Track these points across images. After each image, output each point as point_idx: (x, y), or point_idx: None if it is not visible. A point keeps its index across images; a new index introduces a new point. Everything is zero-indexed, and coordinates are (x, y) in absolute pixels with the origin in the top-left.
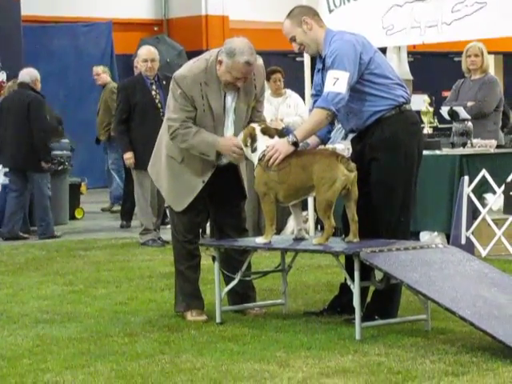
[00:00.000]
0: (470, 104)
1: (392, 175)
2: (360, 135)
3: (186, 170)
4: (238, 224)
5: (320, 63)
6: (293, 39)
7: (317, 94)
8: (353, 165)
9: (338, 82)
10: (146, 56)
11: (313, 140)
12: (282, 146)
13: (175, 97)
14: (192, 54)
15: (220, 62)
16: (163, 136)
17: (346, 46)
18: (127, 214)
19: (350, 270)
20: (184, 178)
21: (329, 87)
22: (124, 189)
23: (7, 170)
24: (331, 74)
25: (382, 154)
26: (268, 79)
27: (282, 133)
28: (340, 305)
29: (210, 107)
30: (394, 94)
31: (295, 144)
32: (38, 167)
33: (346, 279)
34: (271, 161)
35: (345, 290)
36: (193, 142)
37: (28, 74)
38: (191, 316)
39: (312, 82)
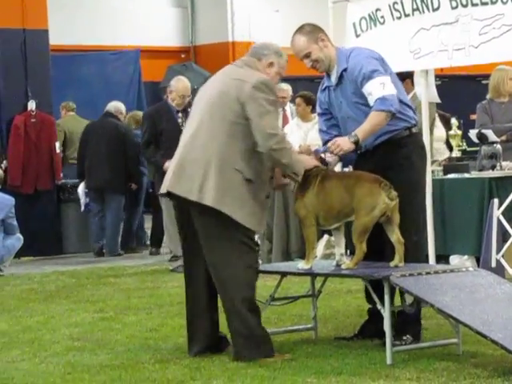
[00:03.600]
0: None
1: (404, 196)
2: (367, 155)
3: (258, 188)
4: None
5: (330, 81)
6: (307, 55)
7: (323, 113)
8: (394, 193)
9: (385, 86)
10: (184, 92)
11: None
12: (343, 142)
13: (268, 103)
14: None
15: (271, 64)
16: (229, 163)
17: (370, 56)
18: (156, 241)
19: (374, 294)
20: (258, 196)
21: (380, 92)
22: (152, 216)
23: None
24: (375, 82)
25: (396, 175)
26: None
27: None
28: (370, 330)
29: None
30: (406, 115)
31: (356, 143)
32: (119, 189)
33: (370, 304)
34: (335, 152)
35: (374, 315)
36: (291, 157)
37: (113, 106)
38: (278, 357)
39: None
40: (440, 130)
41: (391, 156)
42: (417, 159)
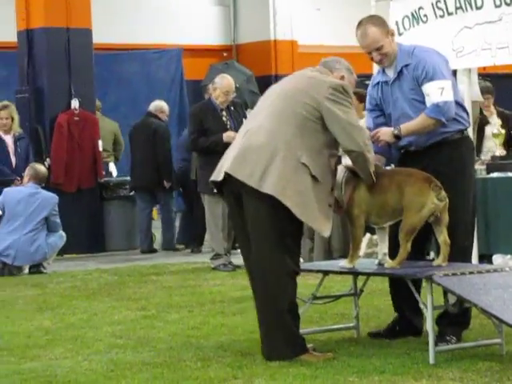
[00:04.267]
0: None
1: (460, 199)
2: (416, 154)
3: (323, 189)
4: None
5: (385, 75)
6: (379, 48)
7: (373, 109)
8: (444, 194)
9: (444, 92)
10: (229, 88)
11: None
12: (384, 133)
13: (348, 104)
14: (261, 79)
15: (342, 78)
16: (295, 156)
17: (435, 56)
18: (198, 239)
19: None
20: (322, 199)
21: (437, 97)
22: (194, 214)
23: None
24: (435, 85)
25: (447, 178)
26: None
27: None
28: (400, 328)
29: None
30: (462, 117)
31: (397, 137)
32: (162, 186)
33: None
34: (374, 140)
35: (401, 312)
36: (372, 157)
37: (153, 105)
38: (315, 356)
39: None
40: (492, 128)
41: (443, 157)
42: (468, 162)
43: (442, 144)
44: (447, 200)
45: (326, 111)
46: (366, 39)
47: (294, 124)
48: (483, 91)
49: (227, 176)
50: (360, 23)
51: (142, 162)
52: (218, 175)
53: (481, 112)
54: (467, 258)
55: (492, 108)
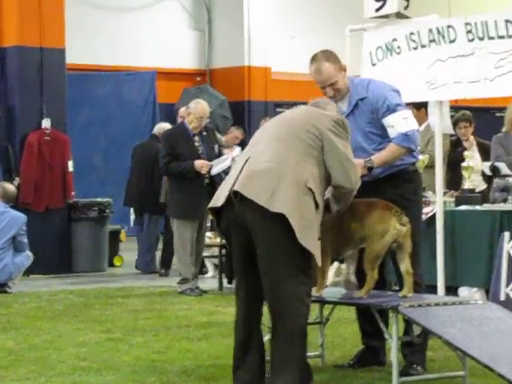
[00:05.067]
0: None
1: (413, 227)
2: (371, 185)
3: (319, 220)
4: None
5: (340, 109)
6: (333, 84)
7: None
8: (405, 219)
9: (408, 121)
10: (203, 114)
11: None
12: (357, 163)
13: (346, 139)
14: (234, 105)
15: None
16: (302, 180)
17: (392, 90)
18: (165, 263)
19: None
20: (317, 227)
21: (404, 127)
22: (163, 238)
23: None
24: (398, 116)
25: (404, 209)
26: None
27: None
28: (367, 359)
29: None
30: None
31: (370, 169)
32: (153, 209)
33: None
34: None
35: (368, 345)
36: None
37: (157, 128)
38: None
39: None
40: (475, 161)
41: (399, 190)
42: (420, 195)
43: (397, 176)
44: (409, 225)
45: (327, 142)
46: (320, 75)
47: (299, 150)
48: (460, 119)
49: (234, 196)
50: (314, 58)
51: (137, 181)
52: (217, 201)
53: (460, 144)
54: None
55: (471, 138)
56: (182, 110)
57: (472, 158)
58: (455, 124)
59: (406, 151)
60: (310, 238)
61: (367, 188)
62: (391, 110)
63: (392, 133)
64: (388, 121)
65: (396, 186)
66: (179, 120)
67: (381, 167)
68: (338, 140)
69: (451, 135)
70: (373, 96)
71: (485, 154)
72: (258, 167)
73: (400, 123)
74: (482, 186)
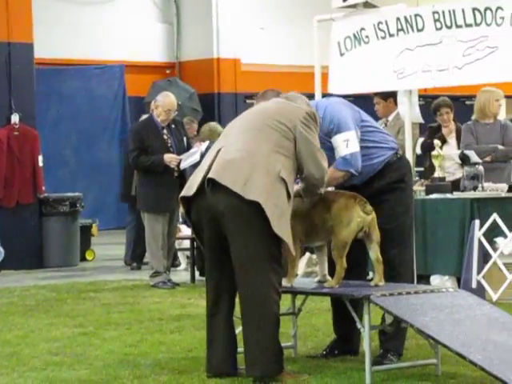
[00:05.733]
0: (501, 147)
1: (402, 215)
2: (358, 185)
3: (290, 209)
4: None
5: None
6: None
7: None
8: (370, 207)
9: (349, 143)
10: (170, 107)
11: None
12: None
13: (316, 132)
14: (203, 97)
15: None
16: (275, 170)
17: (337, 107)
18: (138, 256)
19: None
20: (289, 215)
21: (343, 151)
22: (135, 231)
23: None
24: (340, 138)
25: (392, 196)
26: None
27: None
28: (340, 349)
29: None
30: (389, 140)
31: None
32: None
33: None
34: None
35: (341, 334)
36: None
37: None
38: (293, 376)
39: None
40: (452, 148)
41: (384, 180)
42: (409, 180)
43: (382, 169)
44: (374, 214)
45: (299, 134)
46: None
47: (272, 140)
48: (441, 105)
49: (208, 184)
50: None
51: (131, 173)
52: (188, 191)
53: (438, 131)
54: (412, 273)
55: (452, 125)
56: (152, 103)
57: (448, 146)
58: (436, 110)
59: (344, 175)
60: (283, 227)
61: (356, 188)
62: (335, 130)
63: (336, 155)
64: (334, 141)
65: (382, 177)
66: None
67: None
68: (309, 132)
69: (429, 122)
70: (326, 116)
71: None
72: (230, 156)
73: (341, 146)
74: (459, 173)
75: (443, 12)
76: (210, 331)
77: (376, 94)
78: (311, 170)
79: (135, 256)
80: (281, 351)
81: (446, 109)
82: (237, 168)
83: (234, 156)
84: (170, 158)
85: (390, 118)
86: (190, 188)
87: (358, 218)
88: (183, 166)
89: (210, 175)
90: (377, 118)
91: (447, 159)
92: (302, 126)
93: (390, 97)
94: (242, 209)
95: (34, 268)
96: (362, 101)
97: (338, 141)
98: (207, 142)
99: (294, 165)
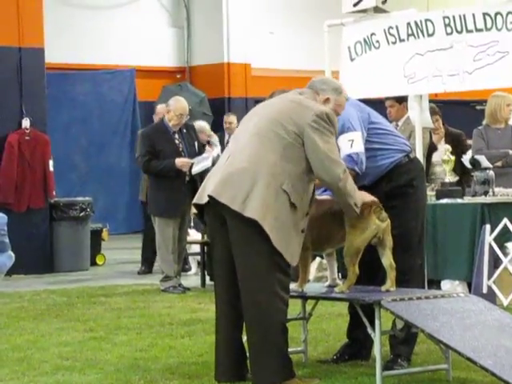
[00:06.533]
0: None
1: (409, 221)
2: (371, 185)
3: (299, 217)
4: None
5: None
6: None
7: None
8: (385, 214)
9: (354, 144)
10: (182, 111)
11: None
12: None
13: (330, 134)
14: (214, 102)
15: (327, 100)
16: (277, 182)
17: (351, 109)
18: (148, 261)
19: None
20: (297, 225)
21: (347, 150)
22: (144, 235)
23: None
24: (344, 138)
25: (400, 201)
26: None
27: None
28: (351, 353)
29: None
30: (400, 143)
31: None
32: None
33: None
34: None
35: (354, 338)
36: (353, 188)
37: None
38: (304, 382)
39: None
40: (439, 154)
41: (394, 182)
42: (420, 184)
43: (391, 171)
44: (388, 221)
45: (307, 139)
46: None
47: (278, 149)
48: (430, 113)
49: (210, 199)
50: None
51: None
52: (200, 198)
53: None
54: (423, 278)
55: (441, 132)
56: (159, 107)
57: (437, 152)
58: None
59: (349, 173)
60: (282, 241)
61: (365, 189)
62: (340, 131)
63: (341, 155)
64: (339, 142)
65: (391, 179)
66: (155, 118)
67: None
68: (318, 136)
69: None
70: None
71: (453, 142)
72: (234, 168)
73: (345, 145)
74: (449, 177)
75: (453, 17)
76: (218, 336)
77: (389, 98)
78: (320, 175)
79: (143, 260)
80: (287, 359)
81: (435, 116)
82: (238, 183)
83: (237, 168)
84: (181, 162)
85: (400, 122)
86: (201, 195)
87: (374, 225)
88: (195, 170)
89: (209, 192)
90: None
91: (437, 165)
92: (310, 130)
93: (404, 101)
94: (241, 226)
95: (44, 272)
96: (372, 106)
97: (342, 141)
98: (219, 148)
99: (305, 170)
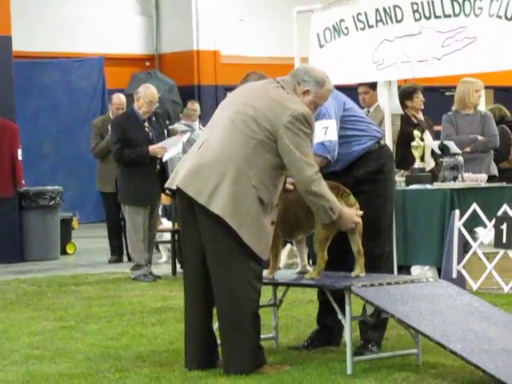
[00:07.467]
0: (480, 138)
1: (380, 207)
2: (338, 172)
3: (268, 211)
4: None
5: None
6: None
7: None
8: (353, 199)
9: (328, 131)
10: (152, 98)
11: None
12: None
13: (305, 136)
14: (183, 89)
15: (307, 92)
16: (246, 177)
17: (332, 97)
18: (117, 249)
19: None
20: (266, 220)
21: (321, 137)
22: (112, 224)
23: None
24: (319, 125)
25: (370, 187)
26: None
27: None
28: (322, 339)
29: None
30: (372, 129)
31: None
32: None
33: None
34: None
35: (324, 324)
36: (327, 191)
37: None
38: (275, 368)
39: None
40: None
41: (364, 168)
42: (389, 170)
43: (362, 157)
44: (357, 205)
45: (280, 140)
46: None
47: (249, 146)
48: (411, 91)
49: (178, 190)
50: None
51: None
52: (171, 183)
53: (408, 122)
54: (392, 264)
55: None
56: (115, 96)
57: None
58: (401, 103)
59: (322, 160)
60: (252, 236)
61: (335, 175)
62: (316, 117)
63: (313, 141)
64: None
65: (362, 165)
66: (111, 108)
67: None
68: (292, 139)
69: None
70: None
71: (429, 130)
72: (204, 160)
73: (319, 132)
74: (431, 164)
75: (422, 3)
76: (188, 324)
77: (363, 84)
78: (294, 177)
79: (112, 249)
80: (258, 347)
81: (416, 94)
82: (206, 175)
83: (207, 160)
84: (155, 149)
85: (372, 108)
86: (172, 181)
87: None
88: (165, 158)
89: (177, 183)
90: None
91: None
92: (284, 132)
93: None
94: (209, 221)
95: (14, 262)
96: (342, 92)
97: (317, 127)
98: (188, 134)
99: (274, 167)
